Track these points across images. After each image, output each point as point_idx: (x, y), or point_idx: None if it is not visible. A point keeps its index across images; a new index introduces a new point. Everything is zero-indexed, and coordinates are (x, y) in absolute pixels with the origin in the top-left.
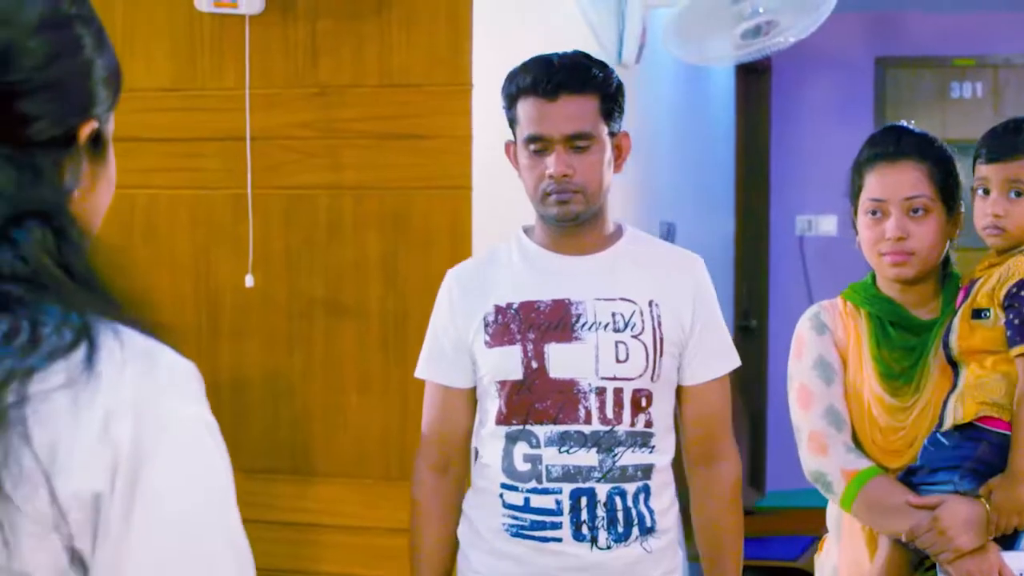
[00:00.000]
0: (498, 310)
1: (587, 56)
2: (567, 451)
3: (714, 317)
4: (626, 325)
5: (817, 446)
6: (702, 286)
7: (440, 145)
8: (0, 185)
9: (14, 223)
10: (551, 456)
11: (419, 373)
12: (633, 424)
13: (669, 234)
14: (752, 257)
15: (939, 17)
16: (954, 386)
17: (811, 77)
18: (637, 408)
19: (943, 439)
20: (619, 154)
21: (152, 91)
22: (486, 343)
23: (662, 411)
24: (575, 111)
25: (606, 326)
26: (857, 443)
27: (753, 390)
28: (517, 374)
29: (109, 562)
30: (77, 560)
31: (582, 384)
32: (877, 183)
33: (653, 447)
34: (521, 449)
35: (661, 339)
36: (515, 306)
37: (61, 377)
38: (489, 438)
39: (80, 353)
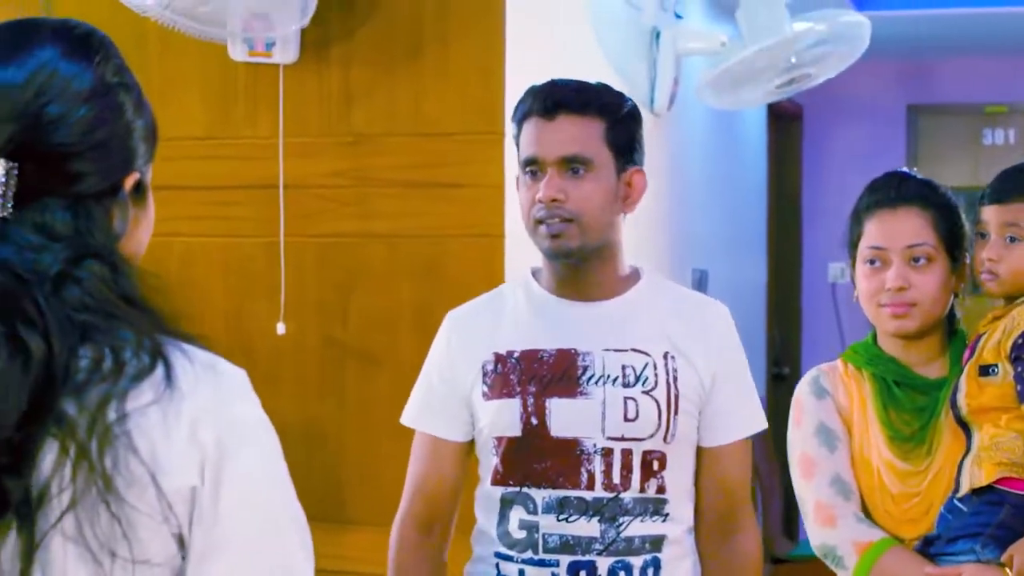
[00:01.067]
0: (498, 359)
1: (603, 85)
2: (566, 519)
3: (739, 372)
4: (637, 379)
5: (824, 517)
6: (726, 338)
7: (473, 193)
8: (61, 232)
9: (75, 264)
10: (549, 524)
11: (406, 420)
12: (643, 490)
13: (701, 281)
14: (784, 304)
15: (970, 64)
16: (968, 448)
17: (843, 124)
18: (648, 472)
19: (961, 505)
20: (629, 192)
21: (187, 140)
22: (484, 394)
23: (678, 475)
24: (573, 132)
25: (615, 380)
26: (867, 514)
27: (786, 437)
28: (515, 430)
29: (204, 541)
30: (182, 544)
31: (586, 444)
32: (877, 230)
33: (666, 515)
34: (517, 514)
35: (677, 395)
36: (516, 355)
37: (150, 395)
38: (485, 500)
39: (159, 372)
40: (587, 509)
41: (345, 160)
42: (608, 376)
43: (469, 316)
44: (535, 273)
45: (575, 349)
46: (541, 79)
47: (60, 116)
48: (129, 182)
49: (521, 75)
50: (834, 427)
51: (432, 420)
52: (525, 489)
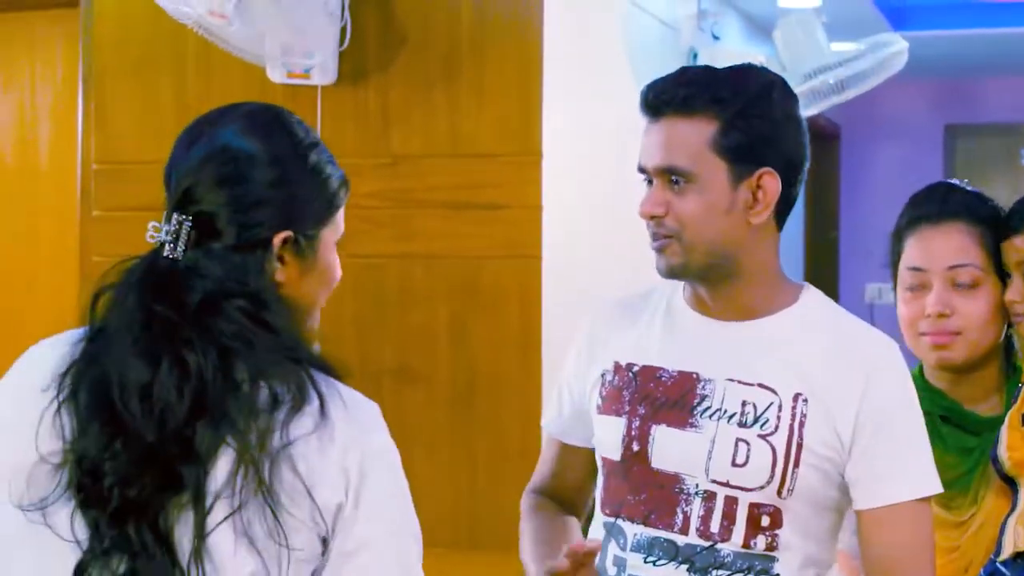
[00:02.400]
0: (617, 369)
1: (738, 69)
2: (653, 562)
3: (898, 426)
4: (756, 420)
5: (848, 569)
6: (884, 384)
7: (510, 215)
8: (211, 272)
9: (219, 299)
10: (635, 564)
11: (542, 420)
12: (748, 545)
13: None
14: None
15: (1008, 84)
16: (1013, 506)
17: (880, 144)
18: (755, 527)
19: (1004, 569)
20: (755, 199)
21: None
22: (598, 407)
23: (798, 537)
24: (671, 138)
25: (731, 417)
26: None
27: None
28: (615, 453)
29: (344, 544)
30: (325, 544)
31: (687, 483)
32: (917, 249)
33: None
34: (613, 548)
35: (800, 446)
36: (636, 369)
37: (310, 425)
38: (596, 523)
39: (315, 405)
40: (676, 555)
41: (383, 181)
42: (725, 411)
43: (609, 312)
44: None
45: (697, 374)
46: (578, 101)
47: (187, 189)
48: (277, 240)
49: (558, 96)
50: None
51: (556, 421)
52: (619, 521)
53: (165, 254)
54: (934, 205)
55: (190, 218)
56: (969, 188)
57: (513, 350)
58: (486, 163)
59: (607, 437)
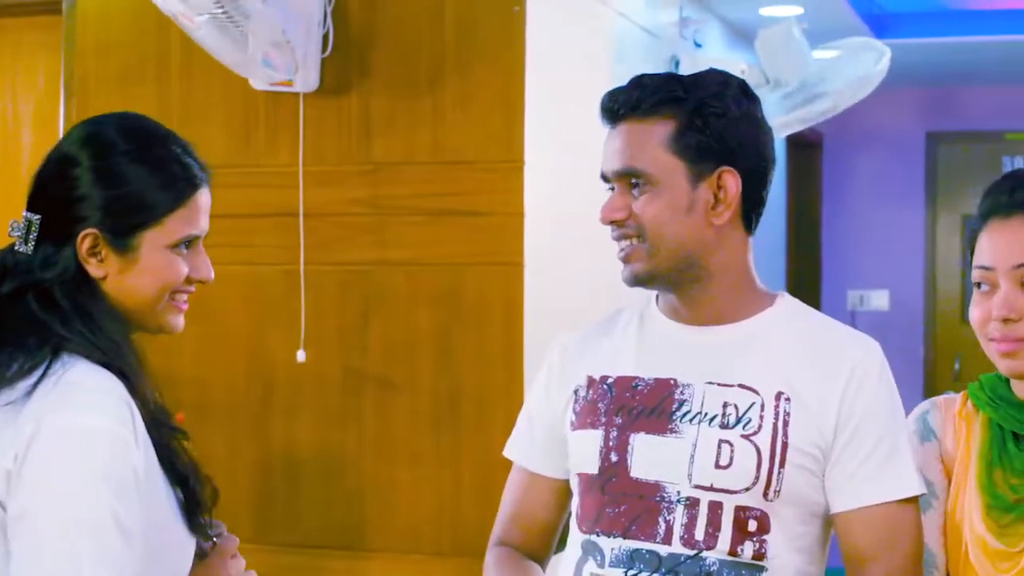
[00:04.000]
0: (590, 383)
1: (695, 75)
2: None
3: (879, 426)
4: (738, 421)
5: None
6: (866, 382)
7: (493, 222)
8: (24, 266)
9: (25, 290)
10: None
11: (505, 450)
12: (735, 553)
13: None
14: None
15: (990, 92)
16: None
17: (862, 152)
18: (741, 532)
19: None
20: (716, 199)
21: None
22: (571, 423)
23: (786, 543)
24: (629, 141)
25: (712, 419)
26: None
27: None
28: (592, 466)
29: (12, 511)
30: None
31: (668, 491)
32: (986, 245)
33: None
34: (589, 567)
35: (784, 444)
36: (610, 380)
37: (14, 396)
38: (571, 546)
39: (32, 380)
40: (659, 566)
41: (365, 188)
42: (705, 414)
43: (571, 338)
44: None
45: (675, 380)
46: (560, 108)
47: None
48: (80, 238)
49: (541, 104)
50: (933, 479)
51: (524, 450)
52: (595, 537)
53: (16, 247)
54: (1003, 196)
55: (37, 216)
56: None
57: (495, 357)
58: (468, 170)
59: (583, 451)
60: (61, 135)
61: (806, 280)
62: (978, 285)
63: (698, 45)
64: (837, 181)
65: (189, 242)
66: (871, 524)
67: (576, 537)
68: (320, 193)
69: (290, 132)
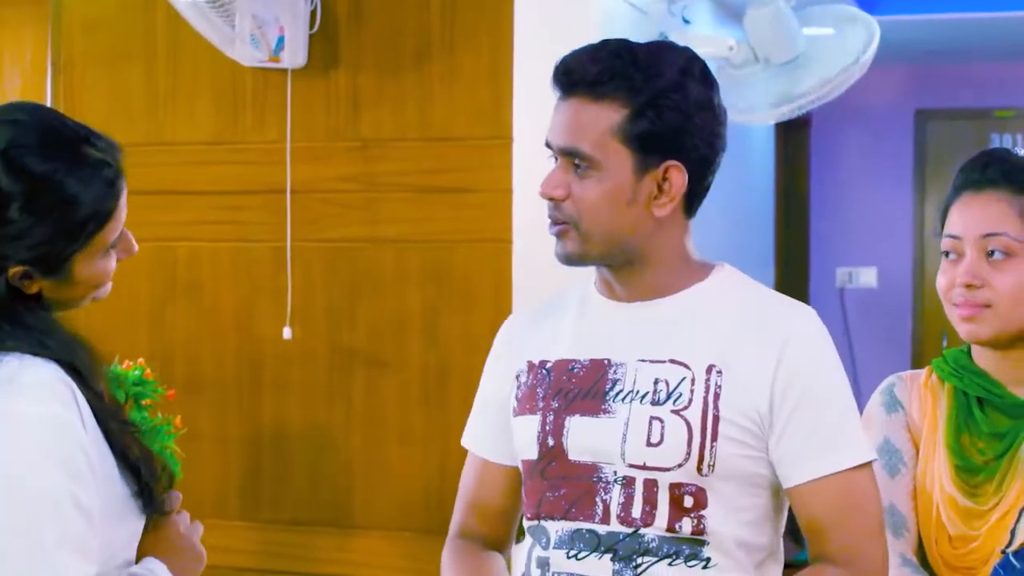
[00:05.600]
0: (531, 368)
1: (656, 49)
2: (575, 556)
3: (820, 395)
4: (668, 396)
5: None
6: (804, 351)
7: (481, 199)
8: None
9: None
10: (558, 561)
11: (462, 438)
12: (672, 529)
13: None
14: None
15: (978, 69)
16: None
17: (851, 130)
18: (678, 509)
19: (1015, 561)
20: (660, 191)
21: (194, 145)
22: (514, 409)
23: (728, 519)
24: (578, 120)
25: (643, 397)
26: (923, 555)
27: None
28: (532, 452)
29: None
30: None
31: (605, 471)
32: (956, 216)
33: (708, 562)
34: (536, 551)
35: (716, 418)
36: (548, 365)
37: None
38: (526, 533)
39: None
40: (599, 545)
41: (353, 165)
42: (637, 392)
43: (517, 321)
44: None
45: (609, 360)
46: (548, 84)
47: None
48: (11, 275)
49: (529, 80)
50: (900, 447)
51: (477, 437)
52: (541, 522)
53: None
54: (976, 172)
55: None
56: (1016, 155)
57: (484, 335)
58: (456, 147)
59: (523, 437)
60: None
61: (794, 257)
62: (946, 254)
63: (687, 21)
64: (825, 159)
65: (118, 237)
66: (826, 495)
67: (526, 524)
68: (308, 170)
69: (278, 109)
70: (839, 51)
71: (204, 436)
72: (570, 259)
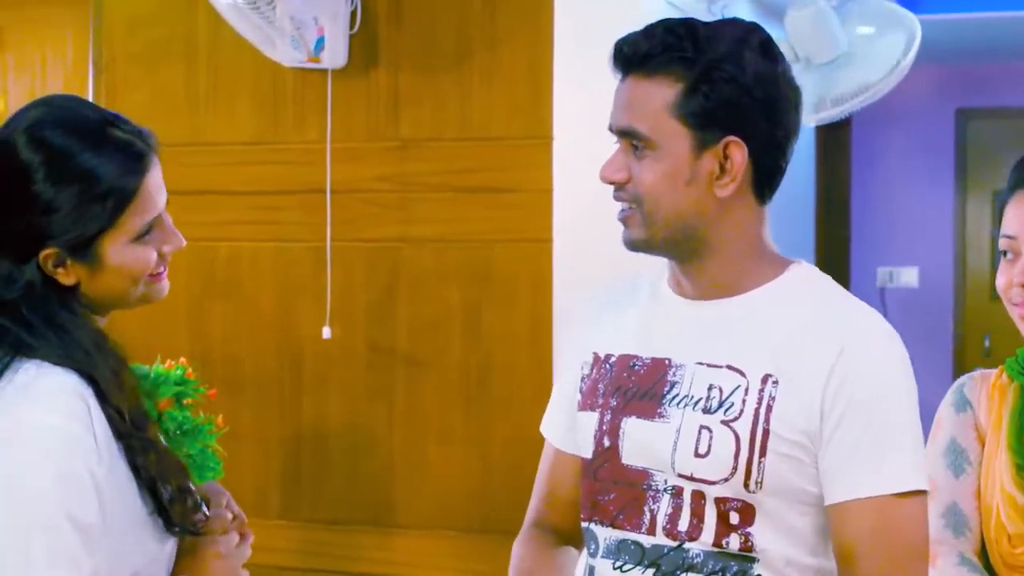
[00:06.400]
0: (596, 361)
1: (714, 22)
2: (620, 567)
3: (868, 405)
4: (720, 405)
5: (930, 554)
6: (854, 358)
7: (521, 198)
8: None
9: None
10: (603, 571)
11: (541, 425)
12: (720, 544)
13: None
14: None
15: (1020, 67)
16: None
17: (891, 129)
18: (725, 524)
19: None
20: (722, 170)
21: (235, 145)
22: (578, 404)
23: (778, 536)
24: (633, 99)
25: (697, 403)
26: (985, 554)
27: None
28: (588, 451)
29: None
30: None
31: (656, 479)
32: (1011, 215)
33: None
34: (585, 556)
35: (766, 432)
36: (613, 359)
37: None
38: None
39: None
40: (643, 558)
41: (392, 165)
42: (692, 397)
43: (592, 308)
44: None
45: (670, 360)
46: (588, 83)
47: None
48: (43, 257)
49: (569, 79)
50: (967, 447)
51: (550, 423)
52: (592, 525)
53: None
54: None
55: None
56: None
57: (524, 334)
58: (496, 146)
59: (583, 434)
60: None
61: (835, 257)
62: (1004, 253)
63: None
64: (866, 158)
65: (152, 224)
66: (861, 519)
67: (581, 524)
68: (348, 170)
69: (318, 109)
70: (881, 51)
71: (244, 435)
72: (635, 245)
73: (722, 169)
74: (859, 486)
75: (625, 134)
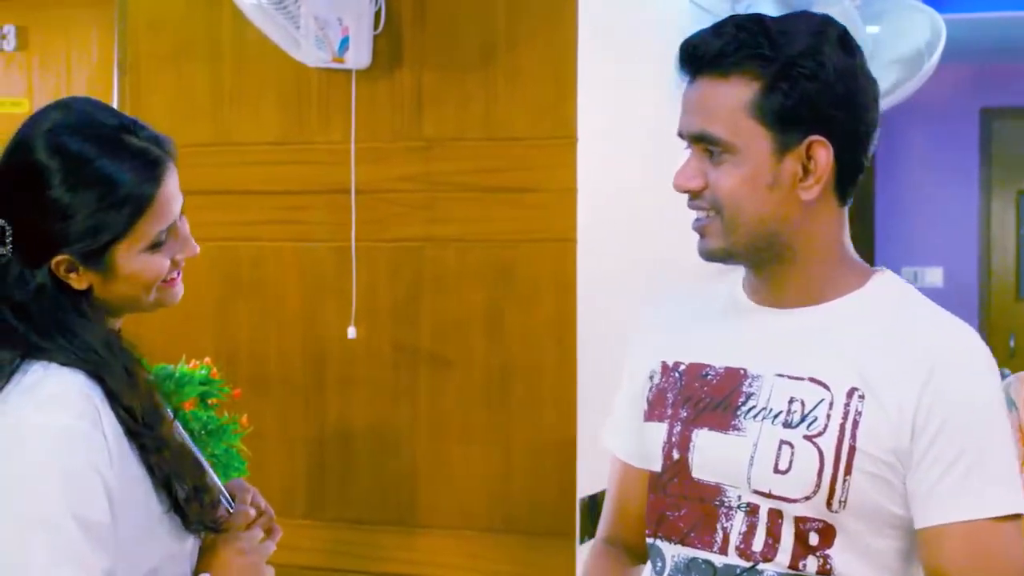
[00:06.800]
0: (664, 369)
1: (791, 19)
2: None
3: (964, 425)
4: (802, 419)
5: None
6: (949, 376)
7: (545, 198)
8: None
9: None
10: None
11: (605, 439)
12: (796, 566)
13: None
14: None
15: None
16: None
17: (916, 128)
18: (803, 545)
19: None
20: (805, 172)
21: (259, 145)
22: (645, 414)
23: (859, 559)
24: (707, 101)
25: (776, 416)
26: None
27: None
28: (656, 464)
29: None
30: None
31: (729, 495)
32: None
33: None
34: (650, 574)
35: (852, 449)
36: (682, 367)
37: None
38: None
39: None
40: None
41: (417, 165)
42: (770, 410)
43: (662, 307)
44: None
45: (745, 370)
46: (612, 83)
47: None
48: (54, 264)
49: (592, 78)
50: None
51: (613, 435)
52: (658, 542)
53: None
54: None
55: (6, 223)
56: None
57: (548, 335)
58: (520, 146)
59: (650, 446)
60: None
61: (859, 256)
62: None
63: None
64: (890, 157)
65: (167, 232)
66: (955, 545)
67: (646, 540)
68: (372, 170)
69: (342, 109)
70: (906, 51)
71: (269, 435)
72: (712, 255)
73: (805, 171)
74: (954, 509)
75: (700, 139)
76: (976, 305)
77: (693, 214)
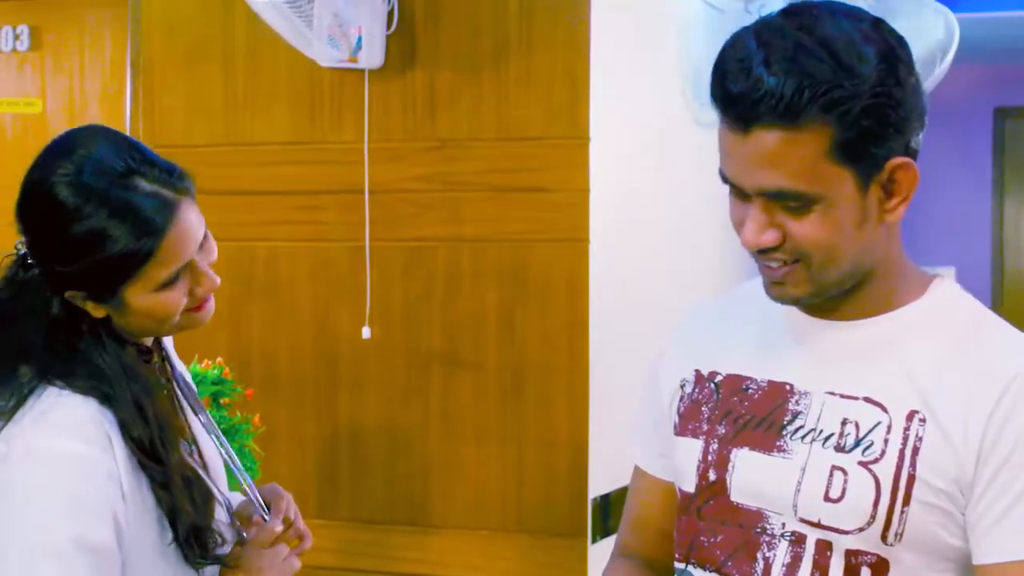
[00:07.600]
0: (698, 379)
1: (841, 38)
2: None
3: None
4: (857, 443)
5: None
6: (1020, 400)
7: (558, 198)
8: (15, 292)
9: (10, 322)
10: None
11: (628, 447)
12: None
13: None
14: None
15: None
16: None
17: (929, 128)
18: None
19: None
20: (888, 194)
21: (272, 145)
22: (675, 427)
23: None
24: (777, 156)
25: (827, 439)
26: None
27: None
28: (689, 483)
29: None
30: None
31: (772, 522)
32: None
33: None
34: None
35: (911, 478)
36: (719, 378)
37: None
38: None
39: (11, 406)
40: None
41: (430, 165)
42: (820, 432)
43: (695, 314)
44: None
45: (791, 385)
46: (625, 83)
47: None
48: (69, 296)
49: (606, 79)
50: None
51: (636, 445)
52: (689, 567)
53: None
54: None
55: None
56: None
57: (560, 335)
58: (533, 147)
59: (682, 464)
60: (128, 113)
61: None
62: None
63: None
64: None
65: (180, 271)
66: None
67: (675, 564)
68: (385, 170)
69: (355, 109)
70: (920, 50)
71: (282, 435)
72: (796, 302)
73: (887, 192)
74: (1016, 547)
75: (774, 196)
76: (988, 306)
77: (708, 217)
